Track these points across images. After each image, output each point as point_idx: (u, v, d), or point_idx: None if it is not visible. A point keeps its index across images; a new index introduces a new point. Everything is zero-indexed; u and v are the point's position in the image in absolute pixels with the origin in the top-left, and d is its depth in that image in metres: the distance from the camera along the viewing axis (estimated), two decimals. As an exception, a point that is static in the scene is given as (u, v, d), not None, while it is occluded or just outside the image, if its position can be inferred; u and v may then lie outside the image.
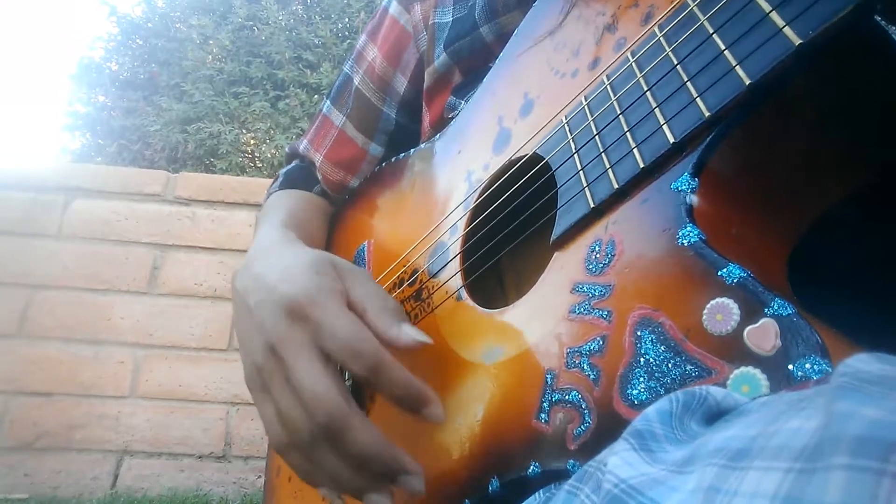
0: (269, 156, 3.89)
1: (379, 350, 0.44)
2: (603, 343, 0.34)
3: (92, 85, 4.50)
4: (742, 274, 0.28)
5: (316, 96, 3.95)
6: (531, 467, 0.36)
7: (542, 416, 0.37)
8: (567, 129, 0.43)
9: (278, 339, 0.46)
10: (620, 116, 0.38)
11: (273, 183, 0.85)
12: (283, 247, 0.59)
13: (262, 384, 0.48)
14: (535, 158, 0.45)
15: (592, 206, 0.37)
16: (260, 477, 1.80)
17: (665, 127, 0.34)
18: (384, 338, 0.46)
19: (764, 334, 0.26)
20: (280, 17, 4.31)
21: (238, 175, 3.67)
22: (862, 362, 0.19)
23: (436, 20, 0.71)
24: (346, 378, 0.62)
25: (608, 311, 0.34)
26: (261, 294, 0.49)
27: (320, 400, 0.43)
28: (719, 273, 0.29)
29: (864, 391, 0.17)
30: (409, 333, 0.46)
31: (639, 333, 0.32)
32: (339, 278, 0.49)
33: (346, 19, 4.38)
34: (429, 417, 0.45)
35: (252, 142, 4.06)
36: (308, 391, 0.44)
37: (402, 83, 0.78)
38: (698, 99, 0.33)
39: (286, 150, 0.90)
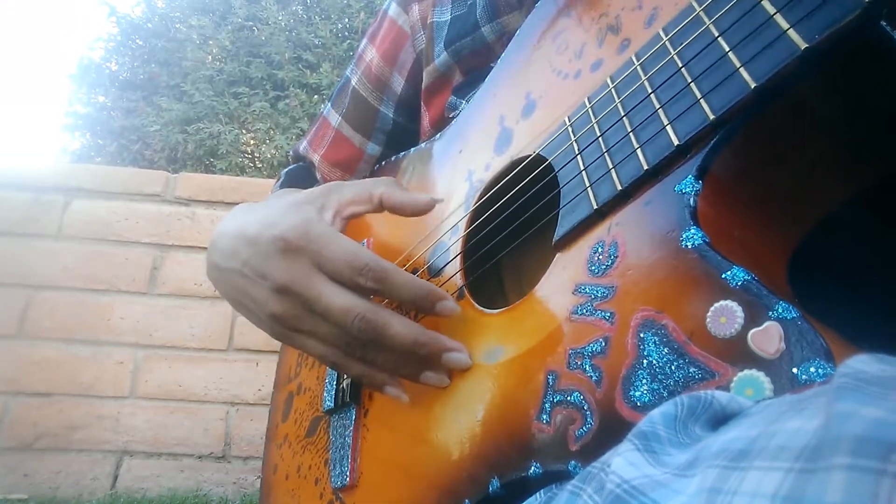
0: (268, 156, 3.88)
1: (379, 259, 0.47)
2: (605, 344, 0.34)
3: (92, 85, 4.50)
4: (746, 277, 0.28)
5: (316, 96, 3.95)
6: (532, 468, 0.36)
7: (544, 416, 0.37)
8: (570, 130, 0.43)
9: (285, 279, 0.48)
10: (624, 118, 0.38)
11: (276, 183, 0.85)
12: (253, 206, 0.59)
13: (290, 328, 0.50)
14: (538, 159, 0.45)
15: (595, 207, 0.37)
16: (259, 477, 1.80)
17: (669, 129, 0.34)
18: (396, 272, 0.49)
19: (768, 337, 0.26)
20: (280, 18, 4.30)
21: (238, 175, 3.67)
22: (862, 363, 0.19)
23: (434, 19, 0.72)
24: (344, 377, 0.62)
25: (611, 313, 0.34)
26: (244, 249, 0.50)
27: (349, 311, 0.46)
28: (723, 276, 0.29)
29: (864, 391, 0.17)
30: (417, 195, 0.52)
31: (642, 335, 0.32)
32: (316, 205, 0.52)
33: (346, 20, 4.38)
34: (444, 311, 0.48)
35: (252, 142, 4.06)
36: (335, 310, 0.47)
37: (399, 83, 0.78)
38: (703, 101, 0.32)
39: (289, 152, 0.91)
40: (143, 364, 1.87)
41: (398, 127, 0.79)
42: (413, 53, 0.77)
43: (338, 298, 0.47)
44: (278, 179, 0.85)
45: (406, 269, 0.59)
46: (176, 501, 1.69)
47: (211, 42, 4.31)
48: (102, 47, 4.61)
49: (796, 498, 0.16)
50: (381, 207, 0.54)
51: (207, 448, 1.82)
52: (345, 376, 0.62)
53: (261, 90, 3.99)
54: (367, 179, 0.57)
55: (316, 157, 0.81)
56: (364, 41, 0.83)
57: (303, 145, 0.85)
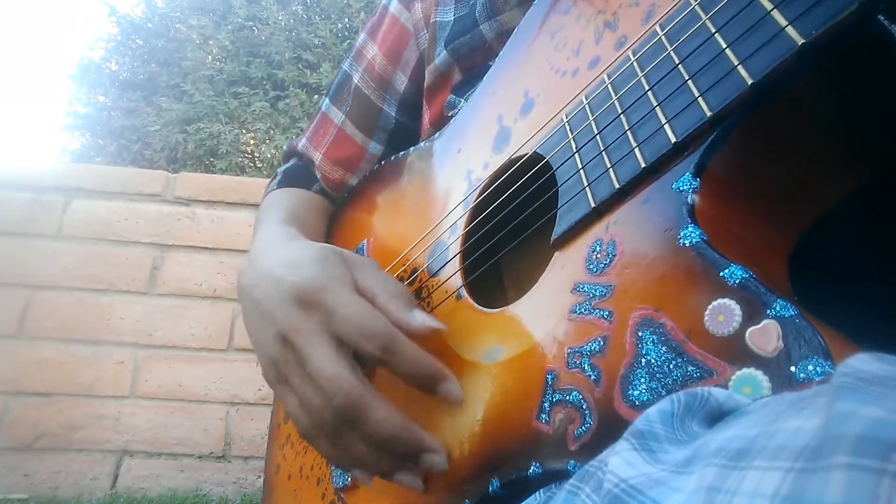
0: (268, 156, 3.89)
1: (391, 329, 0.45)
2: (604, 343, 0.34)
3: (92, 85, 4.51)
4: (744, 275, 0.28)
5: (316, 96, 3.96)
6: (531, 467, 0.36)
7: (543, 416, 0.37)
8: (568, 128, 0.42)
9: (290, 328, 0.46)
10: (621, 116, 0.37)
11: (271, 181, 0.84)
12: (287, 241, 0.59)
13: (279, 376, 0.49)
14: (536, 157, 0.45)
15: (593, 205, 0.37)
16: (259, 477, 1.80)
17: (666, 126, 0.34)
18: (396, 323, 0.46)
19: (766, 336, 0.26)
20: (280, 18, 4.31)
21: (238, 175, 3.68)
22: (862, 362, 0.19)
23: (437, 18, 0.71)
24: None
25: (609, 312, 0.34)
26: (268, 288, 0.50)
27: (335, 383, 0.44)
28: (721, 274, 0.29)
29: (864, 391, 0.17)
30: (421, 318, 0.47)
31: (640, 334, 0.32)
32: (346, 266, 0.50)
33: (346, 19, 4.38)
34: (446, 395, 0.45)
35: (252, 142, 4.06)
36: (323, 376, 0.44)
37: (402, 81, 0.78)
38: (700, 98, 0.32)
39: (284, 148, 0.90)
40: (143, 364, 1.87)
41: (400, 126, 0.79)
42: (416, 52, 0.77)
43: (330, 365, 0.44)
44: (274, 178, 0.84)
45: (405, 269, 0.59)
46: (176, 501, 1.69)
47: (211, 42, 4.31)
48: (102, 47, 4.62)
49: (796, 498, 0.16)
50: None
51: (207, 448, 1.82)
52: None
53: (261, 90, 4.00)
54: (398, 283, 0.52)
55: (317, 156, 0.81)
56: (363, 36, 0.82)
57: (302, 142, 0.84)
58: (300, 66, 4.04)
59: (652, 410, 0.25)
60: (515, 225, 0.48)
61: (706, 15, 0.33)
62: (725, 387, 0.27)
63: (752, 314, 0.27)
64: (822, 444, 0.16)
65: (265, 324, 0.49)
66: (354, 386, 0.44)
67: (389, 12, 0.79)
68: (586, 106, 0.41)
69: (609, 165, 0.37)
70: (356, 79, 0.80)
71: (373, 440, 0.45)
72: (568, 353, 0.36)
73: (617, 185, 0.36)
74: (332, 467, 0.60)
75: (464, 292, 0.50)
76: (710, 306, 0.29)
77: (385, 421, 0.44)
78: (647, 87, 0.36)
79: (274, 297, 0.48)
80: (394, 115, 0.78)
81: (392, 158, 0.72)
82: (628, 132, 0.36)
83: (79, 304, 1.89)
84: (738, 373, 0.27)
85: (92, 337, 1.87)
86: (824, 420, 0.17)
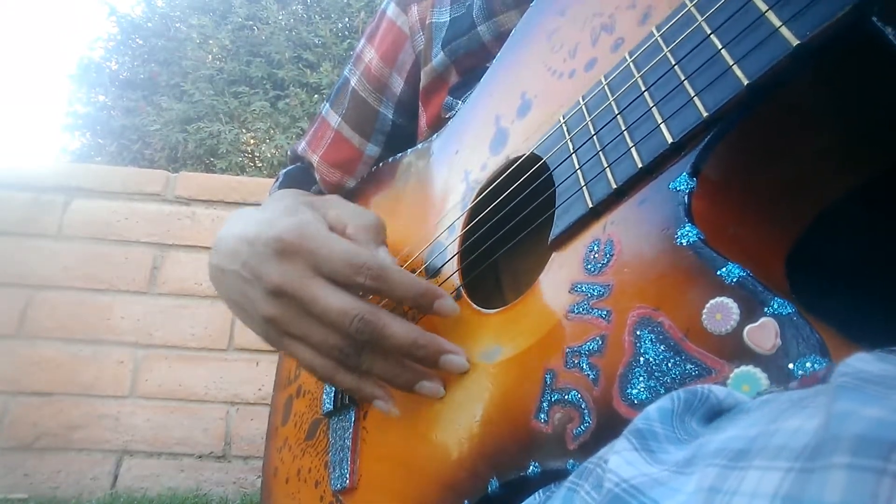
0: (269, 155, 3.88)
1: (376, 257, 0.47)
2: (602, 343, 0.34)
3: (92, 85, 4.50)
4: (741, 273, 0.28)
5: (316, 96, 3.95)
6: (531, 467, 0.36)
7: (542, 415, 0.37)
8: (565, 128, 0.42)
9: (281, 281, 0.47)
10: (618, 116, 0.38)
11: (274, 184, 0.85)
12: (254, 210, 0.58)
13: (282, 332, 0.49)
14: (533, 158, 0.45)
15: (591, 206, 0.37)
16: (259, 477, 1.80)
17: (663, 127, 0.34)
18: (395, 270, 0.48)
19: (764, 333, 0.26)
20: (280, 17, 4.30)
21: (238, 175, 3.67)
22: (862, 361, 0.19)
23: (433, 20, 0.72)
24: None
25: (607, 311, 0.34)
26: (246, 251, 0.50)
27: (349, 311, 0.45)
28: (718, 272, 0.29)
29: (864, 391, 0.17)
30: (382, 256, 0.50)
31: (638, 333, 0.32)
32: (314, 209, 0.51)
33: (346, 19, 4.38)
34: (441, 310, 0.47)
35: (252, 141, 4.06)
36: (333, 310, 0.46)
37: (398, 83, 0.78)
38: (696, 99, 0.32)
39: (288, 152, 0.90)
40: (143, 364, 1.87)
41: (397, 128, 0.79)
42: (412, 54, 0.77)
43: (335, 299, 0.46)
44: (277, 180, 0.85)
45: (403, 269, 0.59)
46: (176, 501, 1.69)
47: (211, 41, 4.31)
48: (102, 47, 4.61)
49: (796, 498, 0.16)
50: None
51: (207, 448, 1.82)
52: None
53: (261, 90, 3.99)
54: (365, 212, 0.56)
55: (315, 158, 0.81)
56: (362, 41, 0.83)
57: (301, 146, 0.84)
58: (300, 65, 4.04)
59: (651, 408, 0.25)
60: (513, 225, 0.48)
61: (702, 16, 0.34)
62: (724, 384, 0.27)
63: (750, 312, 0.27)
64: (822, 444, 0.17)
65: (251, 287, 0.49)
66: (365, 308, 0.46)
67: (387, 16, 0.79)
68: (583, 107, 0.41)
69: (606, 166, 0.37)
70: (353, 82, 0.80)
71: (396, 350, 0.46)
72: (566, 353, 0.36)
73: (614, 186, 0.36)
74: (330, 469, 0.60)
75: (462, 292, 0.50)
76: (707, 305, 0.29)
77: (403, 328, 0.46)
78: (643, 88, 0.36)
79: (255, 258, 0.49)
80: (391, 116, 0.79)
81: (389, 160, 0.72)
82: (625, 133, 0.37)
83: (79, 304, 1.89)
84: (737, 370, 0.27)
85: (92, 337, 1.87)
86: (824, 420, 0.17)
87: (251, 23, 4.29)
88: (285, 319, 0.48)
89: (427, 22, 0.73)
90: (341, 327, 0.46)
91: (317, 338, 0.47)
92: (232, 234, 0.53)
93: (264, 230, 0.49)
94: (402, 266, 0.59)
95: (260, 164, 4.05)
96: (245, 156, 4.00)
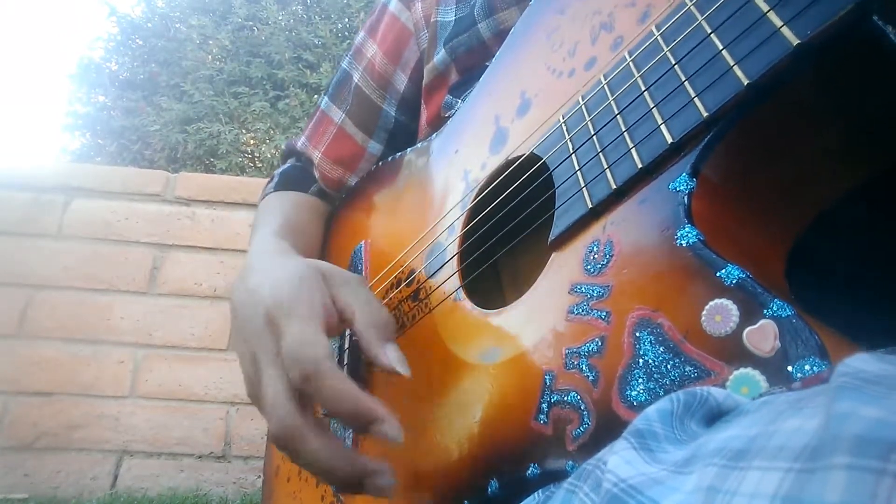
0: (268, 156, 3.88)
1: (320, 359, 0.42)
2: (601, 344, 0.34)
3: (92, 85, 4.50)
4: (741, 275, 0.28)
5: (316, 96, 3.95)
6: (530, 468, 0.36)
7: (541, 417, 0.37)
8: (564, 128, 0.42)
9: (256, 348, 0.47)
10: (618, 116, 0.37)
11: (268, 183, 0.84)
12: (275, 259, 0.58)
13: (252, 391, 0.49)
14: (533, 158, 0.45)
15: (590, 206, 0.37)
16: (259, 477, 1.80)
17: (663, 127, 0.34)
18: (367, 352, 0.46)
19: (763, 335, 0.26)
20: (280, 17, 4.30)
21: (238, 175, 3.67)
22: (862, 362, 0.19)
23: (438, 18, 0.71)
24: (346, 348, 0.62)
25: (607, 312, 0.34)
26: (250, 307, 0.50)
27: (273, 408, 0.44)
28: (718, 274, 0.29)
29: (864, 391, 0.17)
30: (391, 357, 0.46)
31: (637, 334, 0.32)
32: (324, 286, 0.49)
33: (346, 19, 4.38)
34: (378, 435, 0.42)
35: (252, 142, 4.06)
36: (267, 398, 0.44)
37: (402, 81, 0.77)
38: (696, 99, 0.32)
39: (283, 147, 0.89)
40: (143, 364, 1.87)
41: (400, 126, 0.79)
42: (416, 52, 0.76)
43: (271, 388, 0.44)
44: (271, 180, 0.84)
45: (403, 270, 0.59)
46: (176, 501, 1.69)
47: (211, 42, 4.31)
48: (102, 47, 4.61)
49: (796, 498, 0.16)
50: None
51: (207, 448, 1.82)
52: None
53: (261, 90, 3.99)
54: (381, 308, 0.51)
55: (316, 154, 0.80)
56: (362, 34, 0.82)
57: (301, 141, 0.84)
58: (300, 66, 4.04)
59: (651, 409, 0.25)
60: (513, 226, 0.48)
61: (702, 16, 0.33)
62: (723, 387, 0.27)
63: (750, 314, 0.27)
64: (822, 445, 0.16)
65: (244, 342, 0.50)
66: (287, 412, 0.43)
67: (389, 11, 0.79)
68: (583, 107, 0.41)
69: (606, 166, 0.37)
70: (356, 78, 0.80)
71: (314, 467, 0.44)
72: (566, 354, 0.36)
73: (614, 186, 0.36)
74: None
75: (461, 293, 0.50)
76: (707, 306, 0.29)
77: (318, 450, 0.43)
78: (643, 88, 0.36)
79: (251, 317, 0.49)
80: (394, 114, 0.78)
81: (389, 159, 0.72)
82: (625, 133, 0.36)
83: (79, 304, 1.89)
84: (736, 373, 0.27)
85: (92, 337, 1.86)
86: (824, 420, 0.17)
87: (251, 23, 4.29)
88: (250, 383, 0.49)
89: (432, 20, 0.72)
90: (268, 417, 0.45)
91: (263, 411, 0.47)
92: (251, 281, 0.53)
93: (267, 296, 0.48)
94: (400, 267, 0.59)
95: (260, 165, 4.05)
96: (245, 156, 4.00)
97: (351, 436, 0.58)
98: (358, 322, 0.48)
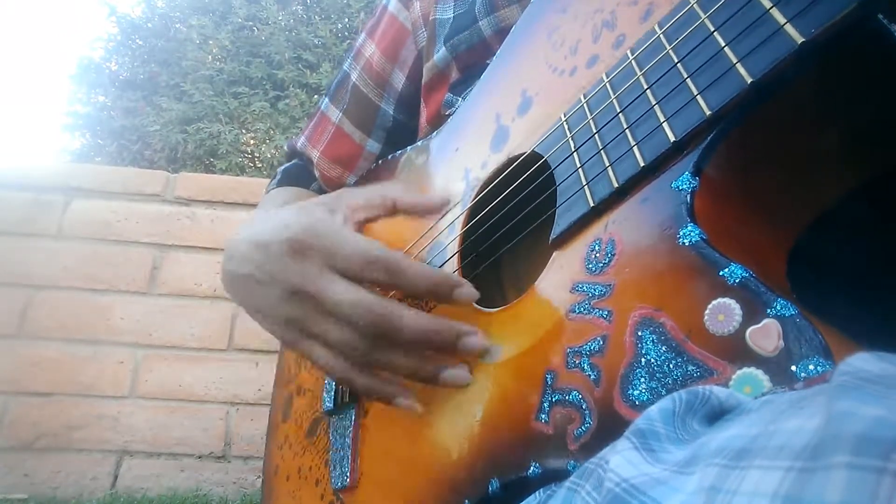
0: (268, 156, 3.89)
1: (391, 251, 0.46)
2: (603, 343, 0.34)
3: (92, 85, 4.50)
4: (744, 274, 0.28)
5: (316, 96, 3.95)
6: (531, 468, 0.36)
7: (543, 416, 0.36)
8: (566, 126, 0.42)
9: (296, 280, 0.47)
10: (620, 115, 0.37)
11: (271, 181, 0.85)
12: (266, 213, 0.58)
13: (300, 333, 0.49)
14: (534, 156, 0.45)
15: (592, 204, 0.37)
16: (259, 477, 1.80)
17: (665, 125, 0.34)
18: (409, 263, 0.47)
19: (766, 335, 0.26)
20: (280, 17, 4.31)
21: (238, 175, 3.68)
22: (863, 361, 0.19)
23: (437, 16, 0.71)
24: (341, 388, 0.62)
25: (608, 311, 0.34)
26: (261, 255, 0.49)
27: (360, 305, 0.45)
28: (721, 273, 0.29)
29: (864, 390, 0.17)
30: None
31: (640, 333, 0.32)
32: (330, 210, 0.51)
33: (346, 19, 4.38)
34: (462, 297, 0.46)
35: (252, 142, 4.06)
36: (346, 303, 0.45)
37: (400, 79, 0.78)
38: (699, 97, 0.32)
39: (285, 146, 0.90)
40: (143, 364, 1.87)
41: (398, 124, 0.79)
42: (414, 50, 0.77)
43: (347, 293, 0.45)
44: (274, 178, 0.85)
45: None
46: (176, 501, 1.69)
47: (211, 42, 4.31)
48: (102, 47, 4.62)
49: (796, 497, 0.16)
50: (394, 210, 0.54)
51: (207, 448, 1.82)
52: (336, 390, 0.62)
53: (261, 90, 3.99)
54: (376, 185, 0.56)
55: (315, 153, 0.81)
56: (362, 35, 0.82)
57: (301, 141, 0.84)
58: (300, 66, 4.04)
59: (653, 409, 0.25)
60: (514, 224, 0.48)
61: (705, 13, 0.33)
62: (726, 386, 0.27)
63: (753, 313, 0.27)
64: (823, 444, 0.16)
65: (268, 289, 0.49)
66: (377, 300, 0.45)
67: (388, 11, 0.79)
68: (585, 105, 0.41)
69: (608, 164, 0.37)
70: (354, 77, 0.80)
71: (411, 342, 0.45)
72: (567, 353, 0.36)
73: (616, 184, 0.36)
74: (331, 467, 0.60)
75: (462, 292, 0.50)
76: (710, 305, 0.29)
77: (416, 318, 0.45)
78: (645, 86, 0.36)
79: (270, 260, 0.49)
80: (392, 112, 0.78)
81: (389, 157, 0.72)
82: (627, 131, 0.36)
83: (79, 304, 1.89)
84: (739, 372, 0.27)
85: (92, 337, 1.87)
86: (824, 419, 0.17)
87: (251, 23, 4.29)
88: (302, 319, 0.48)
89: (430, 18, 0.72)
90: (354, 321, 0.45)
91: (333, 335, 0.46)
92: (244, 238, 0.52)
93: (278, 233, 0.48)
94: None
95: (260, 165, 4.05)
96: (245, 156, 4.00)
97: (351, 433, 0.58)
98: (399, 195, 0.53)
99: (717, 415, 0.25)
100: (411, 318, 0.45)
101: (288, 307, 0.48)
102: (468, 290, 0.46)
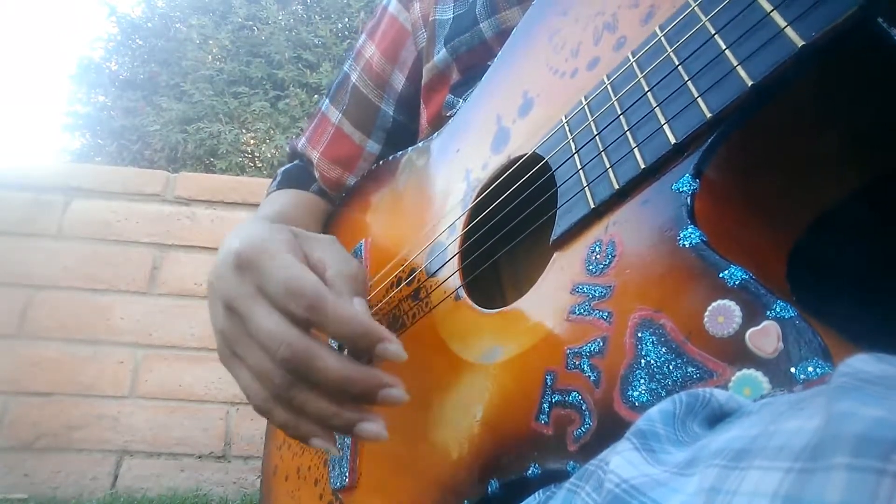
0: (268, 156, 3.88)
1: (318, 287, 0.43)
2: (603, 344, 0.34)
3: (92, 85, 4.50)
4: (744, 276, 0.28)
5: (316, 96, 3.95)
6: (531, 468, 0.36)
7: (542, 417, 0.36)
8: (567, 128, 0.42)
9: (232, 295, 0.45)
10: (621, 117, 0.37)
11: (272, 182, 0.85)
12: (252, 220, 0.57)
13: (229, 349, 0.47)
14: (535, 158, 0.45)
15: (592, 206, 0.37)
16: (259, 477, 1.80)
17: (666, 127, 0.34)
18: (332, 301, 0.44)
19: (766, 337, 0.26)
20: (280, 17, 4.30)
21: (238, 175, 3.67)
22: (862, 362, 0.19)
23: (436, 17, 0.71)
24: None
25: (608, 312, 0.34)
26: (220, 264, 0.48)
27: (277, 336, 0.42)
28: (721, 275, 0.29)
29: (864, 391, 0.17)
30: (359, 308, 0.45)
31: (640, 335, 0.32)
32: (294, 237, 0.49)
33: (346, 19, 4.38)
34: (384, 355, 0.42)
35: (252, 142, 4.06)
36: (263, 333, 0.43)
37: (400, 80, 0.78)
38: (700, 100, 0.32)
39: (287, 147, 0.90)
40: (143, 364, 1.87)
41: (398, 125, 0.79)
42: (414, 51, 0.77)
43: (268, 321, 0.43)
44: (275, 179, 0.85)
45: (403, 269, 0.59)
46: (176, 501, 1.69)
47: (211, 42, 4.30)
48: (102, 47, 4.61)
49: (796, 497, 0.16)
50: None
51: (207, 448, 1.82)
52: None
53: (261, 90, 3.99)
54: (351, 261, 0.51)
55: (315, 154, 0.81)
56: (363, 37, 0.82)
57: (301, 142, 0.84)
58: (300, 65, 4.04)
59: (653, 410, 0.25)
60: (514, 225, 0.48)
61: (706, 16, 0.33)
62: (725, 388, 0.27)
63: (752, 315, 0.27)
64: (822, 444, 0.16)
65: (213, 299, 0.48)
66: (295, 336, 0.42)
67: (388, 12, 0.79)
68: (585, 107, 0.41)
69: (608, 166, 0.37)
70: (354, 78, 0.80)
71: (326, 387, 0.43)
72: (567, 354, 0.36)
73: (616, 186, 0.36)
74: (330, 467, 0.60)
75: (462, 293, 0.50)
76: (709, 307, 0.29)
77: (338, 363, 0.42)
78: (646, 88, 0.36)
79: (218, 271, 0.48)
80: (392, 113, 0.79)
81: (390, 158, 0.72)
82: (628, 133, 0.36)
83: (79, 304, 1.89)
84: (739, 374, 0.27)
85: (92, 337, 1.86)
86: (824, 420, 0.17)
87: (251, 23, 4.29)
88: (231, 336, 0.46)
89: (430, 19, 0.72)
90: (272, 352, 0.43)
91: (252, 360, 0.45)
92: (222, 243, 0.51)
93: (235, 243, 0.47)
94: (401, 266, 0.59)
95: (260, 165, 4.05)
96: (245, 156, 4.00)
97: (349, 444, 0.58)
98: (330, 270, 0.47)
99: (717, 417, 0.25)
100: (332, 362, 0.42)
101: (223, 321, 0.47)
102: (394, 348, 0.42)
